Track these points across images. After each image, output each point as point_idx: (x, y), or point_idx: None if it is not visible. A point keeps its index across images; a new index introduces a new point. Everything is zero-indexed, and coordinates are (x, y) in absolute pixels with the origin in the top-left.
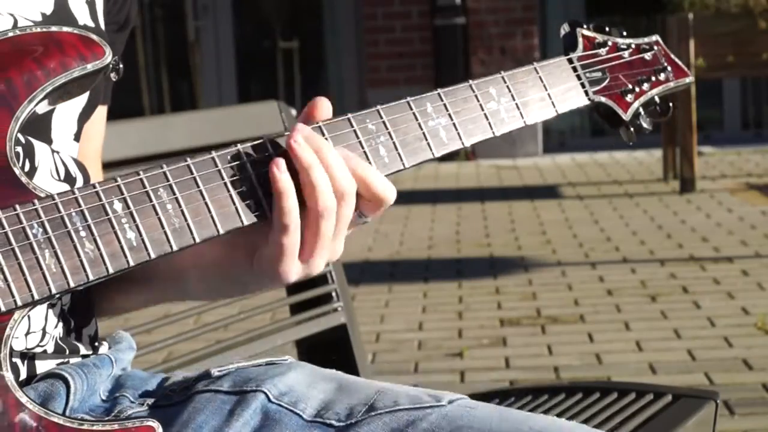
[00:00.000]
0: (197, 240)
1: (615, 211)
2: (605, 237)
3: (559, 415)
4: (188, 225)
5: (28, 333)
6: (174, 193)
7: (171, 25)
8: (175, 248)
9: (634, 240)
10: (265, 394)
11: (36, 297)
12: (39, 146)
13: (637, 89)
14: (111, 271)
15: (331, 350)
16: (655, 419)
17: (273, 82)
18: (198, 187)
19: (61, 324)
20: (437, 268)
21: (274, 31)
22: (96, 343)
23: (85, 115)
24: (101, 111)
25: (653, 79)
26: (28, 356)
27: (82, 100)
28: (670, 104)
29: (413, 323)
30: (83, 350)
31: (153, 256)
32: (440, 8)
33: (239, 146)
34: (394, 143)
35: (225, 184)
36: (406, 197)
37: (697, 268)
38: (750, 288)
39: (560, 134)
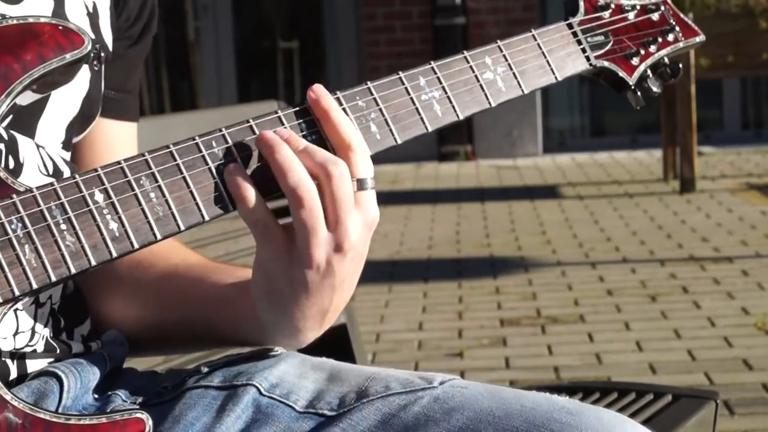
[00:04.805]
0: (182, 228)
1: (615, 211)
2: (605, 237)
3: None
4: (172, 213)
5: (16, 333)
6: (157, 181)
7: (171, 25)
8: (159, 237)
9: (634, 240)
10: (256, 387)
11: (17, 293)
12: (23, 141)
13: (643, 51)
14: (93, 263)
15: (331, 350)
16: (655, 419)
17: (273, 82)
18: (182, 173)
19: (51, 323)
20: (437, 268)
21: (274, 31)
22: (90, 343)
23: (76, 126)
24: (128, 128)
25: (660, 40)
26: (18, 356)
27: (72, 109)
28: (680, 65)
29: (413, 323)
30: (75, 349)
31: (137, 246)
32: (440, 8)
33: (223, 130)
34: (385, 119)
35: (209, 169)
36: (406, 197)
37: (697, 268)
38: (750, 288)
39: (560, 134)
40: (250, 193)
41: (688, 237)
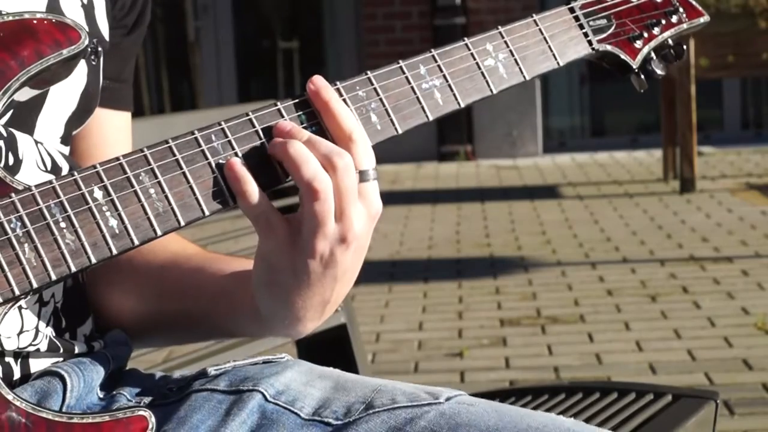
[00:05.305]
0: (182, 223)
1: (615, 211)
2: (605, 237)
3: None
4: (172, 209)
5: (20, 332)
6: (156, 177)
7: (171, 25)
8: (159, 233)
9: (634, 240)
10: (262, 393)
11: (17, 292)
12: (21, 138)
13: (647, 34)
14: (93, 261)
15: (331, 350)
16: (655, 419)
17: (273, 82)
18: (181, 168)
19: (54, 323)
20: (437, 268)
21: (274, 31)
22: (92, 342)
23: (75, 121)
24: (123, 117)
25: (664, 21)
26: (22, 355)
27: (71, 104)
28: (684, 47)
29: (413, 323)
30: (78, 349)
31: (137, 243)
32: (440, 8)
33: (223, 124)
34: (386, 109)
35: (209, 164)
36: (406, 197)
37: (697, 268)
38: (750, 288)
39: (560, 134)
40: (251, 187)
41: (688, 237)
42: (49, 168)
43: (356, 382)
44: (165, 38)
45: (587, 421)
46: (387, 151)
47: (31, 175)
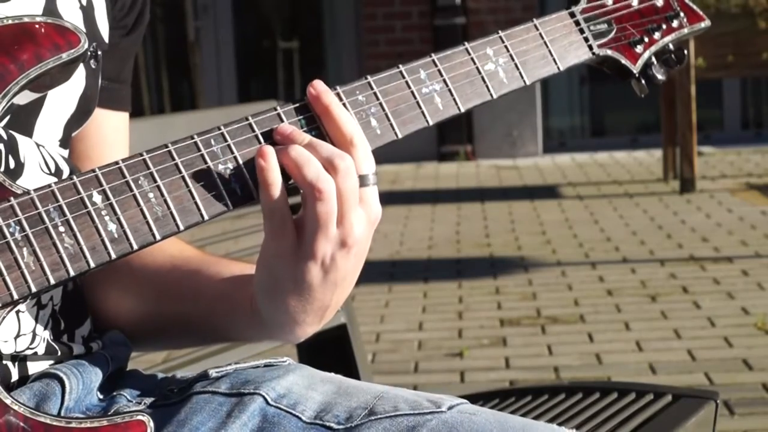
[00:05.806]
0: (181, 228)
1: (615, 211)
2: (605, 237)
3: (559, 415)
4: (171, 213)
5: (18, 336)
6: (155, 181)
7: (171, 25)
8: (158, 237)
9: (634, 240)
10: (263, 396)
11: (15, 296)
12: (22, 140)
13: (647, 39)
14: (92, 265)
15: (331, 350)
16: (655, 419)
17: (273, 82)
18: (180, 173)
19: (51, 325)
20: (437, 268)
21: (274, 31)
22: (90, 343)
23: (73, 123)
24: (121, 117)
25: (664, 26)
26: (19, 358)
27: (69, 107)
28: (685, 51)
29: (413, 323)
30: (76, 351)
31: (136, 247)
32: (440, 8)
33: (222, 128)
34: (386, 114)
35: (209, 168)
36: (406, 197)
37: (697, 268)
38: (750, 288)
39: (560, 134)
40: (277, 178)
41: (688, 237)
42: (52, 170)
43: (358, 387)
44: (165, 38)
45: (587, 421)
46: (387, 152)
47: (34, 177)
